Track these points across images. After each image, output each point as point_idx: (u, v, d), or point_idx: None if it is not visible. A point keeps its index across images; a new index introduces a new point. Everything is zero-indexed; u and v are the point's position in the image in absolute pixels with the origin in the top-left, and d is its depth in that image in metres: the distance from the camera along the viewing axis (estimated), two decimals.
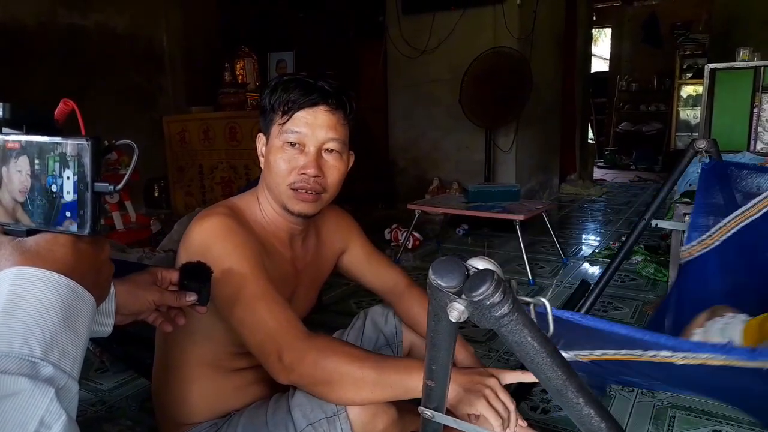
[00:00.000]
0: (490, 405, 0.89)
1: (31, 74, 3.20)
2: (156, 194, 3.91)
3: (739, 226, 1.57)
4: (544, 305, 0.61)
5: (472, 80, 4.17)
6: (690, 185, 2.54)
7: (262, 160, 1.12)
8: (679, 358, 0.76)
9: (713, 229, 1.60)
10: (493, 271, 0.49)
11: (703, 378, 0.81)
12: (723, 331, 1.34)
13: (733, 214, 1.57)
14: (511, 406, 0.91)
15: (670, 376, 0.94)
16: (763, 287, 1.58)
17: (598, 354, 0.85)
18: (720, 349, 0.73)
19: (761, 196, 1.55)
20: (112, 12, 3.65)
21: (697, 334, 1.38)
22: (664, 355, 0.77)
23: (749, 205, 1.56)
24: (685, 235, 1.67)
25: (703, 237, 1.61)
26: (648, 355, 0.78)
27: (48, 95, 3.10)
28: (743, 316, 1.38)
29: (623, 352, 0.81)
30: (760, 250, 1.60)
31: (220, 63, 4.07)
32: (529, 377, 0.91)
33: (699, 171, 1.70)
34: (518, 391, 1.72)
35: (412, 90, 4.88)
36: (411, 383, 0.91)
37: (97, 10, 3.56)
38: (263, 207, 1.13)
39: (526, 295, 0.57)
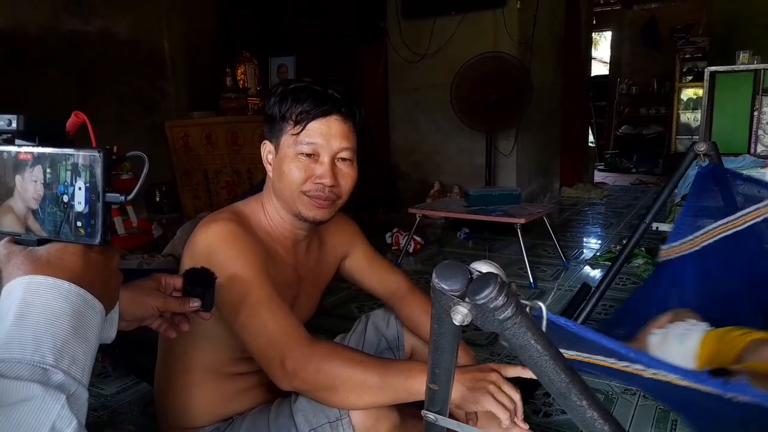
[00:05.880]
0: (496, 399, 0.89)
1: (33, 80, 3.21)
2: (157, 199, 3.91)
3: (722, 235, 1.58)
4: (541, 309, 0.61)
5: (469, 83, 4.17)
6: (690, 188, 2.55)
7: (269, 167, 1.12)
8: (649, 373, 0.87)
9: (696, 233, 1.60)
10: (496, 275, 0.50)
11: (672, 392, 0.90)
12: (682, 337, 1.38)
13: (718, 223, 1.58)
14: (516, 397, 0.91)
15: (646, 387, 1.02)
16: (731, 301, 1.59)
17: (585, 356, 0.94)
18: (685, 373, 0.81)
19: (748, 209, 1.54)
20: (114, 18, 3.66)
21: (658, 334, 1.42)
22: (636, 368, 0.89)
23: (735, 215, 1.56)
24: (669, 235, 1.68)
25: (685, 239, 1.62)
26: (622, 365, 0.90)
27: (50, 101, 3.11)
28: (704, 325, 1.41)
29: (608, 359, 0.93)
30: (738, 263, 1.61)
31: (221, 68, 4.08)
32: (528, 372, 0.92)
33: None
34: (521, 395, 1.72)
35: (412, 94, 4.90)
36: (414, 386, 0.91)
37: (99, 15, 3.58)
38: (269, 213, 1.14)
39: (527, 299, 0.57)
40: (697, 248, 1.60)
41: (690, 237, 1.61)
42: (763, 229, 1.55)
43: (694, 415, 1.11)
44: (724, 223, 1.57)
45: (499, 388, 0.91)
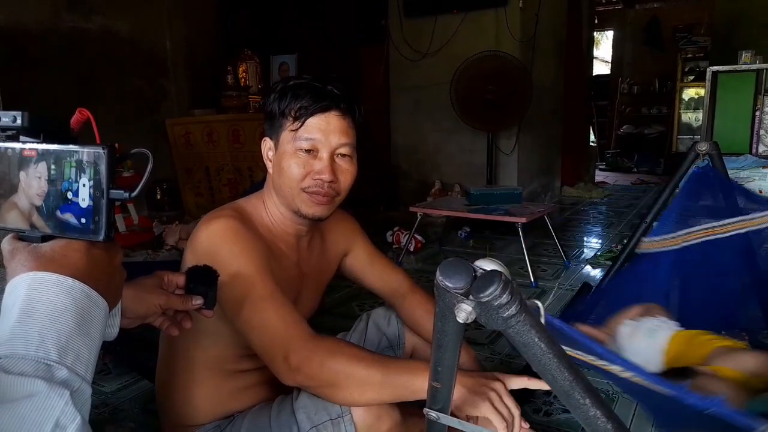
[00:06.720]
0: (495, 408, 0.89)
1: (34, 78, 3.21)
2: (159, 196, 3.92)
3: (704, 239, 1.57)
4: (538, 307, 0.61)
5: (468, 81, 4.16)
6: (683, 186, 2.54)
7: (269, 164, 1.13)
8: (628, 375, 0.93)
9: (680, 232, 1.60)
10: (500, 272, 0.50)
11: (647, 395, 0.96)
12: (652, 332, 1.39)
13: (703, 226, 1.58)
14: (516, 411, 0.91)
15: (623, 386, 1.12)
16: (702, 304, 1.59)
17: (579, 354, 0.99)
18: (666, 384, 0.84)
19: (733, 219, 1.55)
20: (115, 16, 3.66)
21: (628, 326, 1.42)
22: (614, 369, 0.95)
23: (720, 223, 1.56)
24: (653, 228, 1.68)
25: (668, 236, 1.61)
26: (601, 363, 0.97)
27: (51, 99, 3.11)
28: (674, 324, 1.41)
29: (598, 361, 0.97)
30: (715, 268, 1.61)
31: (222, 66, 4.08)
32: (535, 384, 0.91)
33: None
34: (522, 394, 1.72)
35: (414, 93, 4.89)
36: (417, 384, 0.91)
37: (101, 14, 3.58)
38: (270, 210, 1.14)
39: (528, 298, 0.57)
40: (677, 247, 1.59)
41: (672, 234, 1.60)
42: (745, 241, 1.55)
43: (664, 415, 1.13)
44: (708, 228, 1.57)
45: (500, 397, 0.91)
